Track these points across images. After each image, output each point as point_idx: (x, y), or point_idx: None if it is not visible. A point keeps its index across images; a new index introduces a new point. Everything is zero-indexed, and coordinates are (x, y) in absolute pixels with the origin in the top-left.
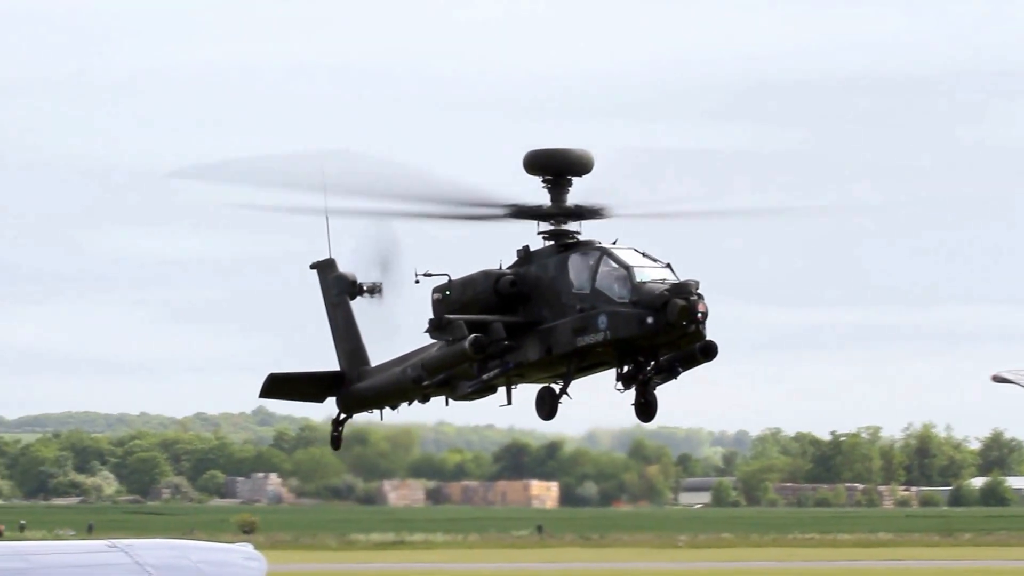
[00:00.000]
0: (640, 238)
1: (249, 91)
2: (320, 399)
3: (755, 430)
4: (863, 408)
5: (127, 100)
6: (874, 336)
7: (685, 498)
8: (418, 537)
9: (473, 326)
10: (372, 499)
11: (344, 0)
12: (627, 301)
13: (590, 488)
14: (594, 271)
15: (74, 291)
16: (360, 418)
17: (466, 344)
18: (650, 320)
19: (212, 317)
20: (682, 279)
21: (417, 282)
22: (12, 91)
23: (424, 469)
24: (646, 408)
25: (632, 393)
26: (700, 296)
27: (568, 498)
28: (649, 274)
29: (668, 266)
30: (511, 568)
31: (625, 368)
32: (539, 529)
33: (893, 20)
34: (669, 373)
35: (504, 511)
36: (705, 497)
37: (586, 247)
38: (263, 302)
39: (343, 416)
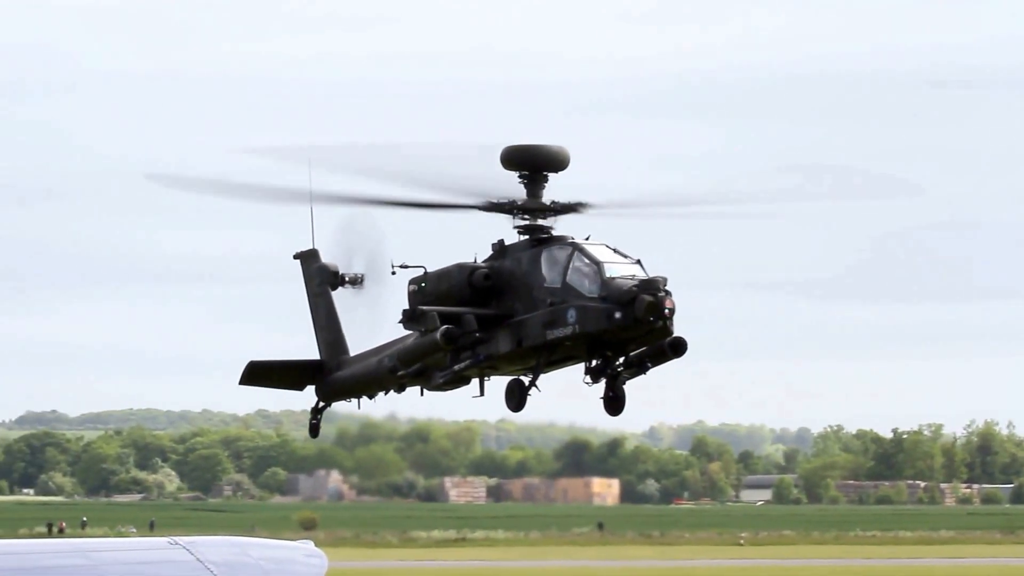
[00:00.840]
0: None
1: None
2: (300, 387)
3: (817, 427)
4: (925, 405)
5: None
6: (936, 334)
7: (746, 495)
8: (479, 534)
9: (446, 318)
10: (433, 496)
11: None
12: (596, 296)
13: (651, 485)
14: (565, 266)
15: (136, 289)
16: (422, 415)
17: (437, 335)
18: (618, 315)
19: (274, 314)
20: (651, 276)
21: (394, 274)
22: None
23: (485, 466)
24: (614, 402)
25: (601, 387)
26: (667, 292)
27: (629, 495)
28: (619, 270)
29: (638, 262)
30: (572, 566)
31: (594, 362)
32: (600, 526)
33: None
34: (638, 368)
35: (565, 508)
36: (766, 494)
37: (559, 242)
38: None
39: (322, 405)
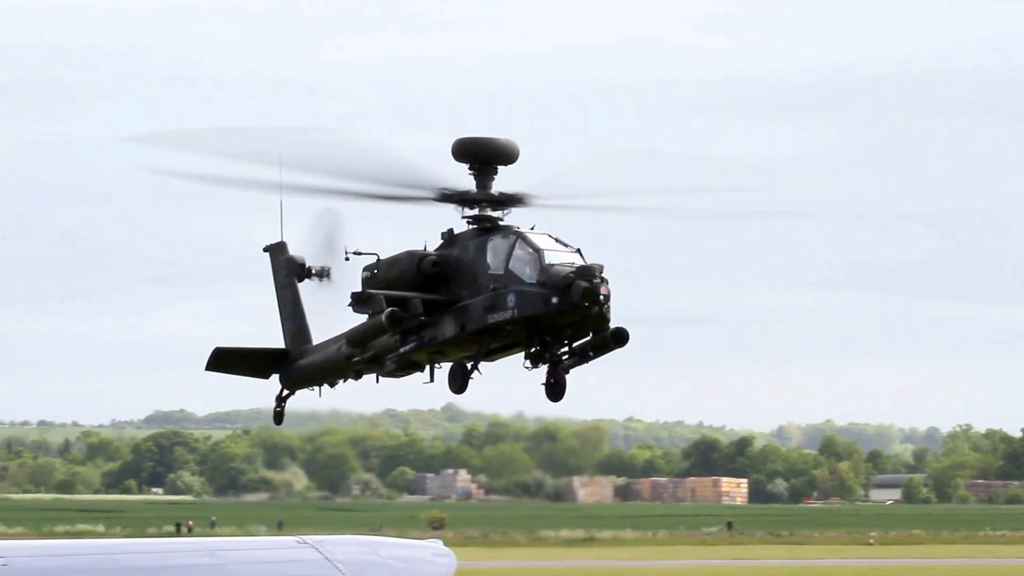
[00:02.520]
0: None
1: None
2: (265, 375)
3: (946, 427)
4: None
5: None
6: None
7: (876, 495)
8: (607, 534)
9: (393, 301)
10: (561, 495)
11: None
12: (535, 282)
13: (780, 484)
14: (508, 253)
15: (263, 285)
16: (550, 414)
17: (383, 317)
18: (555, 300)
19: None
20: (588, 263)
21: (347, 259)
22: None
23: (613, 465)
24: (555, 389)
25: (542, 374)
26: (604, 280)
27: (758, 494)
28: (558, 257)
29: (578, 251)
30: (700, 565)
31: (533, 348)
32: (729, 526)
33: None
34: (581, 357)
35: (693, 507)
36: (896, 494)
37: (504, 231)
38: None
39: (286, 392)
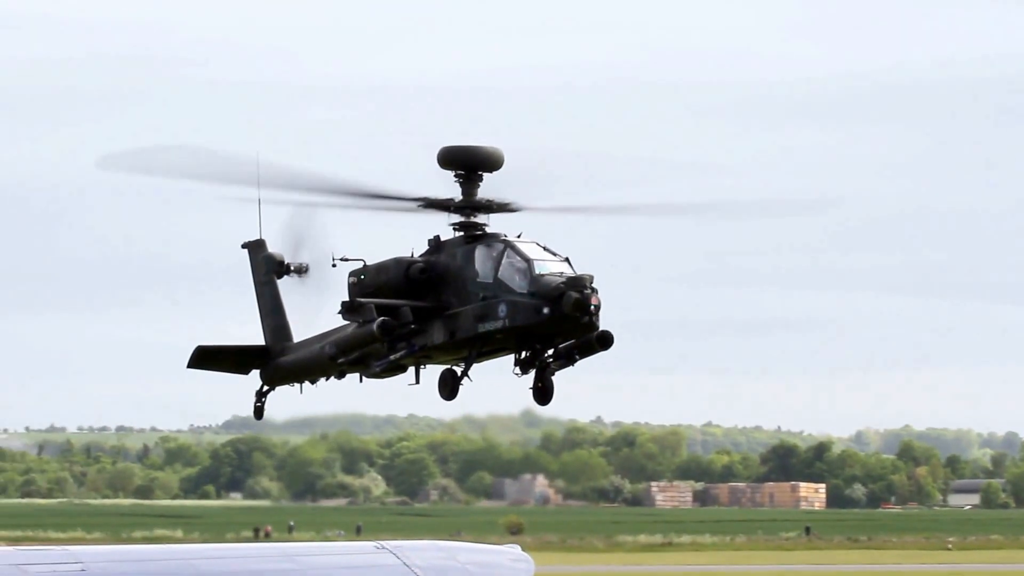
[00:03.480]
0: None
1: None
2: (245, 371)
3: None
4: None
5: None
6: None
7: (954, 500)
8: (685, 539)
9: (383, 309)
10: (639, 500)
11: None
12: (526, 292)
13: (858, 490)
14: (497, 262)
15: (342, 290)
16: (628, 419)
17: (374, 326)
18: (546, 310)
19: None
20: (578, 273)
21: (334, 266)
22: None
23: (691, 470)
24: (543, 392)
25: (530, 378)
26: (594, 290)
27: (836, 499)
28: (548, 267)
29: (567, 260)
30: (779, 570)
31: (523, 354)
32: (807, 531)
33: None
34: (567, 360)
35: (772, 513)
36: (974, 499)
37: (491, 239)
38: None
39: (266, 388)
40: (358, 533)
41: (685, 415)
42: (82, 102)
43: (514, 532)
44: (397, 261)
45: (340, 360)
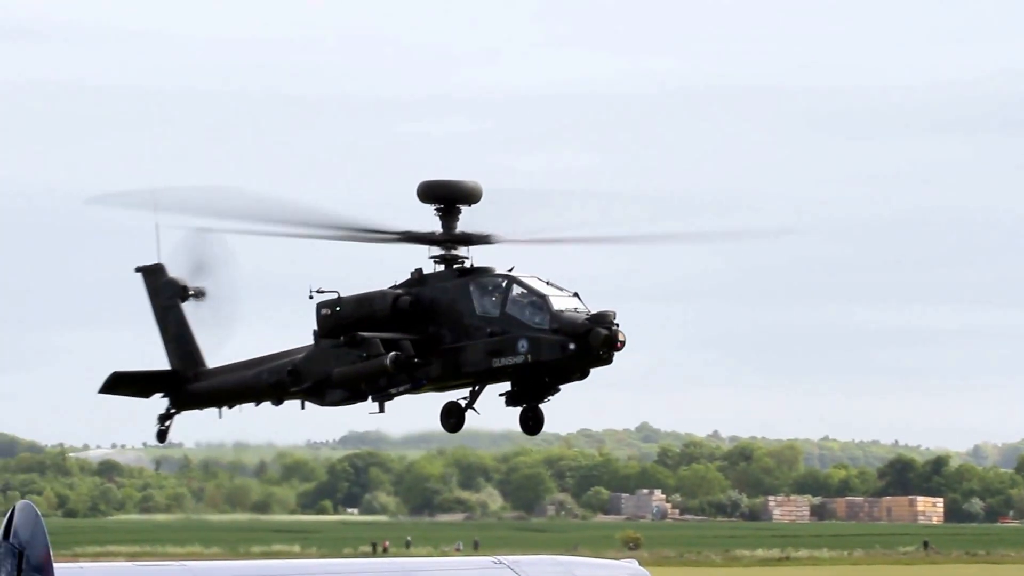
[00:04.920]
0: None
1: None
2: (149, 395)
3: None
4: None
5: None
6: None
7: None
8: (803, 553)
9: (384, 344)
10: (756, 515)
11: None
12: (546, 328)
13: (976, 504)
14: (504, 296)
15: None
16: (744, 433)
17: (387, 360)
18: (572, 346)
19: None
20: (600, 309)
21: (311, 297)
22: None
23: (809, 485)
24: (536, 423)
25: (515, 408)
26: (618, 325)
27: (954, 514)
28: (565, 303)
29: (576, 295)
30: None
31: (515, 387)
32: (925, 545)
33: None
34: (552, 390)
35: (889, 527)
36: None
37: (485, 273)
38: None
39: (172, 412)
40: (475, 548)
41: (802, 429)
42: (219, 119)
43: (631, 547)
44: (383, 294)
45: (294, 389)
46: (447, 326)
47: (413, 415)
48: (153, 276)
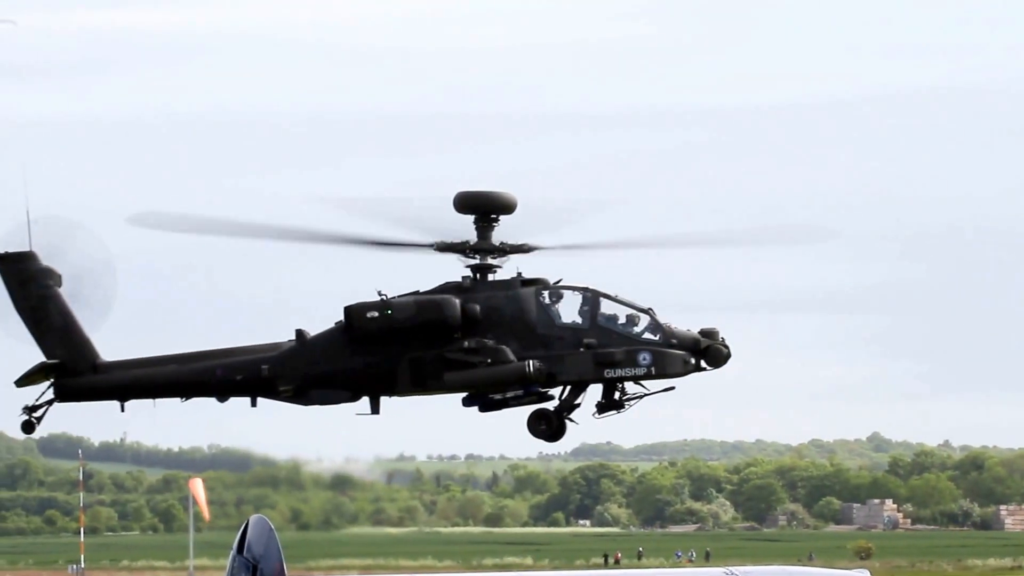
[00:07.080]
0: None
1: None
2: (35, 383)
3: None
4: None
5: None
6: None
7: None
8: None
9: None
10: (988, 524)
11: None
12: (658, 341)
13: None
14: (592, 309)
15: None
16: (975, 442)
17: (530, 368)
18: (692, 361)
19: (839, 343)
20: (708, 327)
21: (380, 296)
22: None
23: None
24: (560, 431)
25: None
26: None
27: None
28: (660, 317)
29: (649, 310)
30: None
31: (605, 397)
32: None
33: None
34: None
35: None
36: None
37: (558, 285)
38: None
39: (42, 403)
40: (707, 559)
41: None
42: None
43: (863, 557)
44: (447, 300)
45: (283, 388)
46: (514, 335)
47: (645, 427)
48: (22, 263)
